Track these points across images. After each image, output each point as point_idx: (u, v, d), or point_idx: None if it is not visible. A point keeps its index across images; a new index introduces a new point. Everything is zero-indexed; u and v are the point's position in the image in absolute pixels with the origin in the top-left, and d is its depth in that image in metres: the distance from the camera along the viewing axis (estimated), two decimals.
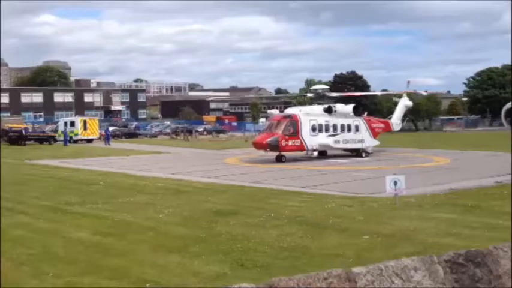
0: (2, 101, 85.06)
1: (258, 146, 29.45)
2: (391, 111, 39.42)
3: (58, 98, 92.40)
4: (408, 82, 41.35)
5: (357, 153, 31.40)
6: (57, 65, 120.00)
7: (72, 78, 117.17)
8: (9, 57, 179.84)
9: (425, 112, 79.96)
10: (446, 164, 26.33)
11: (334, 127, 30.90)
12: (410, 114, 57.00)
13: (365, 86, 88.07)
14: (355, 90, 69.94)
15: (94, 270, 8.06)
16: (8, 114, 71.07)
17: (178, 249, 9.24)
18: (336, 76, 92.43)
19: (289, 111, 32.46)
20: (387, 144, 35.40)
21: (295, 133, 29.16)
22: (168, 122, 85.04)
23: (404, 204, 13.46)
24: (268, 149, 28.91)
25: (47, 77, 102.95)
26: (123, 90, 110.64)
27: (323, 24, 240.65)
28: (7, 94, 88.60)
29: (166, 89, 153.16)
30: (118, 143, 50.42)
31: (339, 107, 31.77)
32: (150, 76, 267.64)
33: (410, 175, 16.86)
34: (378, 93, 70.06)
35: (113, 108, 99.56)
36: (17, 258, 8.78)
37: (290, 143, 28.91)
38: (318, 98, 33.72)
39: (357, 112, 32.15)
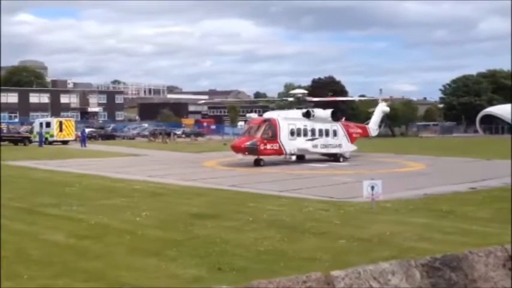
0: None
1: (237, 149, 29.42)
2: (368, 117, 39.80)
3: (34, 98, 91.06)
4: (380, 90, 41.90)
5: (334, 157, 31.60)
6: (34, 64, 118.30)
7: (48, 79, 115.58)
8: None
9: (402, 118, 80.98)
10: (421, 169, 26.68)
11: (313, 132, 31.06)
12: (387, 120, 57.70)
13: (343, 91, 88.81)
14: (333, 95, 70.48)
15: (69, 273, 7.94)
16: None
17: (155, 253, 9.17)
18: (314, 81, 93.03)
19: (268, 115, 32.54)
20: (364, 149, 35.73)
21: (273, 137, 29.23)
22: (146, 125, 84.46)
23: (381, 209, 13.59)
24: (246, 153, 28.91)
25: (23, 77, 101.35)
26: (101, 92, 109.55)
27: (303, 28, 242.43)
28: None
29: (145, 91, 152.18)
30: (94, 145, 49.89)
31: (318, 111, 31.96)
32: (128, 77, 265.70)
33: (387, 180, 17.03)
34: (356, 98, 70.72)
35: (89, 109, 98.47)
36: None
37: (268, 146, 28.97)
38: (297, 103, 33.87)
39: (335, 117, 32.39)
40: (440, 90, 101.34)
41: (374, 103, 40.70)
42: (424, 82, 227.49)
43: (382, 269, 2.87)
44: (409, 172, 25.40)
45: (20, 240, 10.13)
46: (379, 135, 40.90)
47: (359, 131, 35.54)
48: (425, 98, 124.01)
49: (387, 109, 39.23)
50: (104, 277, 7.83)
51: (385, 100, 39.64)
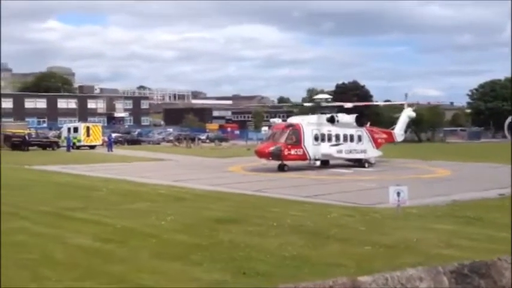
0: (5, 106, 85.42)
1: (261, 154, 29.43)
2: (393, 122, 39.40)
3: (62, 104, 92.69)
4: (406, 95, 41.41)
5: (359, 163, 31.35)
6: (61, 71, 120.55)
7: (75, 85, 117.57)
8: (13, 62, 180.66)
9: (428, 123, 79.93)
10: (448, 175, 26.27)
11: (337, 137, 30.89)
12: (413, 125, 57.07)
13: (367, 96, 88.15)
14: (358, 100, 70.01)
15: (94, 276, 8.04)
16: (12, 120, 71.24)
17: (180, 257, 9.21)
18: (337, 86, 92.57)
19: (292, 120, 32.48)
20: (390, 155, 35.36)
21: (297, 142, 29.15)
22: (171, 130, 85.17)
23: (407, 215, 13.41)
24: (270, 158, 28.90)
25: (51, 83, 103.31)
26: (127, 97, 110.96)
27: (325, 33, 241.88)
28: (11, 99, 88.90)
29: (169, 97, 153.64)
30: (120, 150, 50.47)
31: (342, 117, 31.78)
32: (152, 83, 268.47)
33: (413, 186, 16.81)
34: (381, 103, 70.14)
35: (116, 114, 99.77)
36: (18, 262, 8.75)
37: (292, 152, 28.90)
38: (321, 108, 33.73)
39: (359, 122, 32.14)
40: (468, 95, 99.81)
41: (399, 108, 40.28)
42: (450, 87, 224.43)
43: (409, 275, 2.83)
44: (436, 178, 25.03)
45: (47, 243, 10.28)
46: (404, 141, 40.43)
47: (384, 136, 35.20)
48: (452, 103, 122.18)
49: (413, 114, 38.76)
50: (128, 280, 7.89)
51: (410, 105, 39.17)
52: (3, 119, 69.53)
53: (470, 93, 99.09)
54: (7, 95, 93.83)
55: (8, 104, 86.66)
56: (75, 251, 9.65)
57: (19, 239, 10.60)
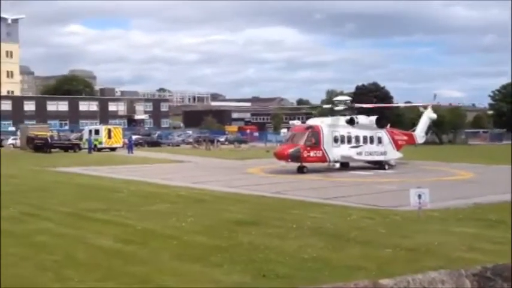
0: (28, 109, 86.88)
1: (280, 156, 29.41)
2: (414, 124, 39.02)
3: (83, 106, 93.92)
4: (435, 95, 40.96)
5: (379, 165, 31.12)
6: (83, 74, 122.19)
7: (97, 87, 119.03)
8: (35, 65, 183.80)
9: (450, 125, 78.97)
10: (470, 177, 25.92)
11: (357, 139, 30.71)
12: (434, 127, 56.40)
13: (387, 98, 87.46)
14: (378, 102, 69.53)
15: (116, 277, 8.12)
16: (34, 122, 72.39)
17: (200, 258, 9.26)
18: (357, 87, 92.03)
19: (311, 122, 32.39)
20: (410, 157, 35.03)
21: (317, 144, 29.06)
22: (190, 132, 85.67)
23: (428, 218, 13.28)
24: (289, 160, 28.86)
25: (73, 86, 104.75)
26: (147, 100, 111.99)
27: (346, 35, 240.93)
28: (33, 102, 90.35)
29: (189, 99, 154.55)
30: (141, 152, 50.91)
31: (362, 118, 31.59)
32: (173, 85, 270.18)
33: (434, 188, 16.63)
34: (401, 105, 69.52)
35: (136, 117, 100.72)
36: (41, 263, 8.89)
37: (312, 154, 28.82)
38: (340, 110, 33.57)
39: (379, 124, 31.92)
40: (490, 96, 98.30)
41: (420, 110, 39.88)
42: (472, 88, 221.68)
43: (431, 278, 2.81)
44: (457, 180, 24.73)
45: (69, 244, 10.41)
46: (425, 143, 39.98)
47: (405, 138, 34.88)
48: (473, 105, 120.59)
49: (434, 116, 38.34)
50: (149, 281, 7.96)
51: (431, 106, 38.74)
52: (26, 122, 70.77)
53: (492, 94, 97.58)
54: (30, 98, 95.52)
55: (30, 106, 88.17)
56: (97, 252, 9.76)
57: (42, 240, 10.77)
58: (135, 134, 69.47)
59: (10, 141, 58.07)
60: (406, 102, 74.84)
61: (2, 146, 56.49)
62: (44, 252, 9.64)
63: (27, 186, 20.58)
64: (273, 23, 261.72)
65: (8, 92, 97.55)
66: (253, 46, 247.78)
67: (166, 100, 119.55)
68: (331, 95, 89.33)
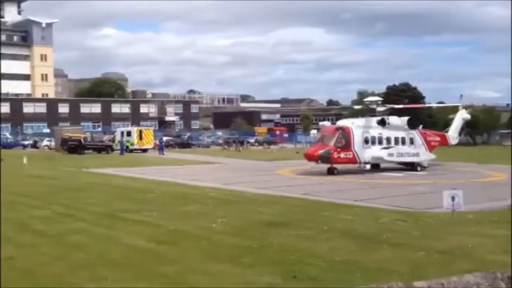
0: (62, 111, 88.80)
1: (310, 157, 29.31)
2: (447, 124, 38.35)
3: (115, 108, 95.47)
4: (461, 96, 40.18)
5: (411, 166, 30.71)
6: (115, 76, 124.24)
7: (128, 90, 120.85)
8: (69, 68, 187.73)
9: (484, 126, 77.29)
10: (505, 179, 25.30)
11: (388, 140, 30.37)
12: (468, 128, 55.32)
13: (419, 98, 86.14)
14: (409, 102, 68.57)
15: (148, 276, 8.23)
16: (68, 124, 73.94)
17: (231, 259, 9.30)
18: (388, 88, 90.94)
19: (342, 123, 32.17)
20: (444, 158, 34.44)
21: (347, 145, 28.85)
22: (220, 133, 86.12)
23: (462, 220, 13.04)
24: (319, 161, 28.73)
25: (105, 89, 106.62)
26: (177, 101, 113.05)
27: (376, 35, 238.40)
28: (67, 105, 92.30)
29: (219, 100, 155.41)
30: (172, 153, 51.44)
31: (393, 119, 31.23)
32: (203, 87, 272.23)
33: (468, 190, 16.31)
34: (433, 105, 68.41)
35: (167, 118, 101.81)
36: (76, 262, 9.06)
37: (342, 155, 28.62)
38: (371, 110, 33.26)
39: (411, 125, 31.49)
40: None
41: (453, 110, 39.19)
42: (507, 88, 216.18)
43: (466, 280, 2.77)
44: (492, 182, 24.20)
45: (103, 244, 10.59)
46: (459, 144, 39.26)
47: (437, 139, 34.33)
48: (508, 105, 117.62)
49: (468, 116, 37.63)
50: (181, 282, 8.04)
51: (465, 107, 38.02)
52: (60, 124, 72.35)
53: None
54: (64, 100, 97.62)
55: (64, 109, 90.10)
56: (130, 252, 9.90)
57: (76, 240, 10.98)
58: (165, 135, 70.28)
59: (45, 142, 59.42)
60: (438, 103, 73.65)
61: (37, 148, 57.90)
62: (78, 252, 9.82)
63: (62, 187, 21.04)
64: (302, 24, 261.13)
65: (43, 94, 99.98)
66: (282, 47, 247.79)
67: (196, 102, 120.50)
68: (361, 95, 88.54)
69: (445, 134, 35.91)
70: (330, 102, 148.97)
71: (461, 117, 36.79)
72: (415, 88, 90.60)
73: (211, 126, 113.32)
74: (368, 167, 29.61)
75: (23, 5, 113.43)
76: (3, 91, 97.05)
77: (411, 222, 13.19)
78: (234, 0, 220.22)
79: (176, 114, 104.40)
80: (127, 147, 52.75)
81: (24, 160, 32.49)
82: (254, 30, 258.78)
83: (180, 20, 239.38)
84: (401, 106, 39.65)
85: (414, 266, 8.80)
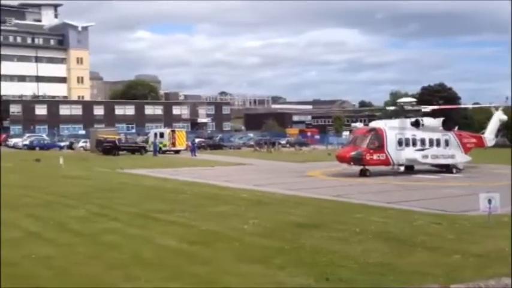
0: (97, 113, 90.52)
1: (342, 159, 29.07)
2: (483, 126, 37.48)
3: (148, 110, 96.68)
4: (507, 98, 39.19)
5: (446, 169, 30.15)
6: (148, 78, 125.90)
7: (161, 92, 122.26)
8: (104, 71, 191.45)
9: None
10: None
11: (422, 141, 29.89)
12: (505, 129, 53.96)
13: (455, 99, 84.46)
14: (444, 103, 67.30)
15: (181, 276, 8.29)
16: (103, 126, 75.28)
17: (262, 260, 9.29)
18: (423, 88, 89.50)
19: (374, 124, 31.80)
20: (480, 160, 33.66)
21: (380, 147, 28.51)
22: (252, 134, 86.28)
23: (499, 224, 12.72)
24: (352, 163, 28.46)
25: (139, 91, 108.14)
26: (209, 103, 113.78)
27: (409, 35, 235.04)
28: (102, 106, 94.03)
29: (250, 102, 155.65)
30: (203, 154, 51.78)
31: (427, 120, 30.71)
32: (234, 89, 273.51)
33: (505, 193, 15.89)
34: (469, 106, 66.95)
35: (199, 120, 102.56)
36: (110, 262, 9.20)
37: (375, 157, 28.30)
38: (405, 111, 32.78)
39: (446, 126, 30.91)
40: None
41: (490, 111, 38.29)
42: None
43: (504, 284, 2.69)
44: None
45: (136, 243, 10.72)
46: (495, 146, 38.31)
47: (473, 140, 33.61)
48: None
49: (505, 117, 36.71)
50: (213, 282, 8.07)
51: (502, 108, 37.08)
52: (95, 125, 73.75)
53: None
54: (99, 102, 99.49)
55: (99, 110, 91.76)
56: (163, 252, 9.99)
57: (110, 239, 11.14)
58: (197, 137, 70.79)
59: (81, 144, 60.63)
60: (474, 104, 72.01)
61: (73, 149, 59.12)
62: (112, 251, 9.96)
63: (96, 188, 21.42)
64: (334, 25, 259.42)
65: (79, 97, 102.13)
66: (314, 48, 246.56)
67: (227, 103, 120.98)
68: (395, 96, 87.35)
69: (481, 135, 35.14)
70: (362, 104, 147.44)
71: (498, 118, 35.94)
72: (450, 89, 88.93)
73: (243, 127, 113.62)
74: (402, 169, 29.21)
75: (59, 9, 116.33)
76: (40, 93, 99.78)
77: (446, 225, 12.95)
78: (266, 0, 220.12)
79: (208, 115, 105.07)
80: (160, 148, 53.32)
81: (61, 161, 33.24)
82: (286, 31, 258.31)
83: (212, 21, 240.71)
84: (436, 107, 38.94)
85: (449, 269, 8.62)
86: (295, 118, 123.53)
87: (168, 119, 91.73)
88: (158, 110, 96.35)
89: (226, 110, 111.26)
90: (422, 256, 9.67)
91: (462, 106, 67.91)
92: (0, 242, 10.22)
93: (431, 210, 15.63)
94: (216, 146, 66.75)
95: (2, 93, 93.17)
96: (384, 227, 12.60)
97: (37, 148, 59.07)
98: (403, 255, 9.68)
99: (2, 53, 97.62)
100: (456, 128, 33.98)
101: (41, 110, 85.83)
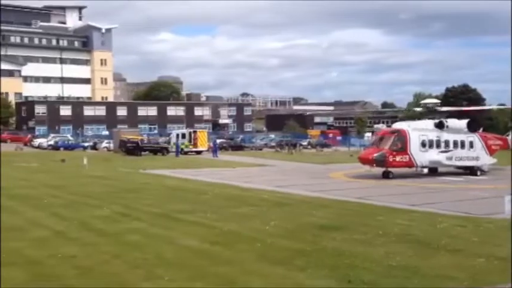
0: (120, 114, 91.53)
1: (364, 161, 28.86)
2: (508, 128, 36.84)
3: (171, 111, 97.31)
4: None
5: (471, 171, 29.70)
6: (171, 80, 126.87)
7: (183, 93, 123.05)
8: (128, 72, 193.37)
9: None
10: None
11: (446, 143, 29.49)
12: None
13: (479, 100, 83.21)
14: (468, 105, 66.34)
15: (203, 277, 8.32)
16: (126, 126, 76.05)
17: (284, 261, 9.28)
18: (447, 89, 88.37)
19: (397, 126, 31.49)
20: (505, 163, 33.06)
21: (403, 149, 28.22)
22: (273, 135, 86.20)
23: None
24: (374, 165, 28.23)
25: (161, 92, 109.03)
26: (230, 104, 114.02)
27: (433, 35, 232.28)
28: (125, 107, 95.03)
29: (271, 103, 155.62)
30: (225, 155, 51.92)
31: (452, 122, 30.29)
32: (256, 90, 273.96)
33: None
34: (494, 107, 65.89)
35: (220, 121, 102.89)
36: (133, 261, 9.28)
37: (398, 158, 28.01)
38: (428, 113, 32.40)
39: (471, 128, 30.44)
40: None
41: None
42: None
43: None
44: None
45: (159, 243, 10.80)
46: None
47: (499, 142, 33.04)
48: None
49: None
50: (235, 282, 8.08)
51: None
52: (119, 126, 74.55)
53: None
54: (122, 103, 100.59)
55: (122, 111, 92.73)
56: (185, 252, 10.05)
57: (133, 239, 11.25)
58: (219, 137, 71.01)
59: (104, 144, 61.33)
60: (499, 105, 70.83)
61: (97, 149, 59.88)
62: (135, 251, 10.05)
63: (120, 188, 21.65)
64: (357, 25, 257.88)
65: (102, 98, 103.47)
66: (336, 49, 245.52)
67: (249, 104, 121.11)
68: (418, 97, 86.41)
69: (507, 137, 34.52)
70: (385, 105, 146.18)
71: None
72: (474, 90, 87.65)
73: (264, 128, 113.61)
74: (425, 171, 28.89)
75: (83, 11, 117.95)
76: (65, 94, 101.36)
77: (471, 227, 12.77)
78: (288, 1, 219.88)
79: (229, 116, 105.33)
80: (182, 149, 53.64)
81: (85, 161, 33.68)
82: (308, 32, 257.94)
83: (234, 23, 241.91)
84: (460, 108, 38.41)
85: (474, 272, 8.49)
86: (317, 119, 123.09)
87: (190, 120, 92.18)
88: (180, 111, 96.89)
89: (247, 111, 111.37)
90: (446, 259, 9.55)
91: (487, 107, 66.86)
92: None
93: (455, 212, 15.42)
94: (238, 147, 66.86)
95: (28, 94, 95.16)
96: (408, 229, 12.47)
97: (61, 148, 59.93)
98: (426, 258, 9.57)
99: (28, 54, 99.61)
100: (481, 129, 33.45)
101: (65, 111, 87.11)
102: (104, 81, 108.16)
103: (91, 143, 64.24)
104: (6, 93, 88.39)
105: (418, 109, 35.85)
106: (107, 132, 75.70)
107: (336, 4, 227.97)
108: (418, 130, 29.22)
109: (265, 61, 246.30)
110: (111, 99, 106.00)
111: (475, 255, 9.80)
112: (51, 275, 8.35)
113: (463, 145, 30.00)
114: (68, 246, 10.41)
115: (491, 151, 31.60)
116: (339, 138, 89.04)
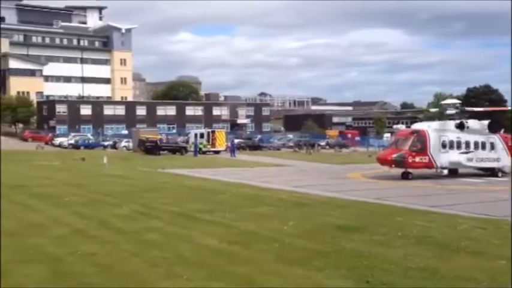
0: (139, 113, 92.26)
1: (383, 161, 28.68)
2: None
3: (189, 111, 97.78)
4: None
5: (492, 172, 29.32)
6: (189, 80, 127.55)
7: (202, 93, 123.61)
8: (147, 72, 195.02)
9: None
10: None
11: (467, 144, 29.16)
12: None
13: (501, 101, 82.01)
14: (490, 105, 65.43)
15: (221, 276, 8.36)
16: (145, 126, 76.64)
17: (302, 262, 9.27)
18: (468, 90, 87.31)
19: (417, 126, 31.22)
20: None
21: (423, 149, 27.98)
22: (291, 136, 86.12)
23: None
24: (393, 165, 28.03)
25: (180, 92, 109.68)
26: (249, 104, 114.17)
27: (453, 35, 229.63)
28: (144, 107, 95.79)
29: (290, 103, 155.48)
30: (243, 155, 52.01)
31: (472, 123, 29.93)
32: (274, 90, 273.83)
33: None
34: None
35: (238, 121, 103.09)
36: (152, 260, 9.36)
37: (417, 159, 27.78)
38: (449, 113, 32.04)
39: (492, 129, 30.04)
40: None
41: None
42: None
43: None
44: None
45: (178, 242, 10.87)
46: None
47: None
48: None
49: None
50: (253, 282, 8.10)
51: None
52: (138, 125, 75.19)
53: None
54: (141, 103, 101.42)
55: (142, 111, 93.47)
56: (204, 251, 10.10)
57: (152, 238, 11.33)
58: (237, 137, 71.16)
59: (123, 143, 61.89)
60: None
61: (117, 148, 60.45)
62: (154, 250, 10.13)
63: (139, 187, 21.83)
64: (376, 25, 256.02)
65: (122, 97, 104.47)
66: (354, 49, 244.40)
67: (267, 104, 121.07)
68: (438, 98, 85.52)
69: None
70: (404, 105, 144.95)
71: None
72: (496, 90, 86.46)
73: (282, 128, 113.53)
74: (445, 172, 28.59)
75: (104, 11, 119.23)
76: (85, 93, 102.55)
77: (491, 230, 12.61)
78: (307, 1, 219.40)
79: (247, 116, 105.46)
80: (200, 148, 53.87)
81: (105, 160, 34.04)
82: (326, 32, 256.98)
83: (253, 23, 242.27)
84: (481, 109, 37.92)
85: (494, 274, 8.40)
86: (335, 119, 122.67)
87: (208, 120, 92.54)
88: (198, 111, 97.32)
89: (265, 111, 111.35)
90: (466, 261, 9.45)
91: (509, 108, 65.83)
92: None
93: (475, 214, 15.25)
94: (256, 147, 66.94)
95: (49, 94, 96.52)
96: (427, 231, 12.36)
97: (82, 147, 60.67)
98: (446, 260, 9.49)
99: (49, 54, 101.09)
100: (502, 130, 32.98)
101: (85, 110, 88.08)
102: (123, 81, 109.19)
103: (111, 142, 64.86)
104: (28, 93, 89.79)
105: (438, 110, 35.46)
106: (126, 132, 76.37)
107: (355, 4, 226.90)
108: (438, 131, 28.94)
109: (283, 61, 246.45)
110: (130, 98, 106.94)
111: (494, 257, 9.69)
112: (70, 272, 8.47)
113: (483, 146, 29.65)
114: (87, 244, 10.54)
115: None
116: (357, 138, 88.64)
